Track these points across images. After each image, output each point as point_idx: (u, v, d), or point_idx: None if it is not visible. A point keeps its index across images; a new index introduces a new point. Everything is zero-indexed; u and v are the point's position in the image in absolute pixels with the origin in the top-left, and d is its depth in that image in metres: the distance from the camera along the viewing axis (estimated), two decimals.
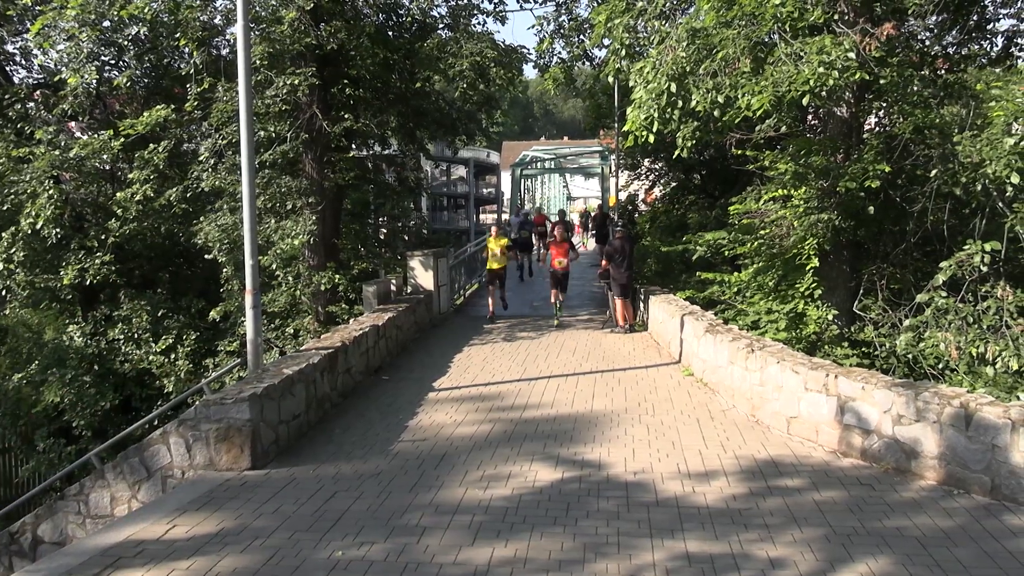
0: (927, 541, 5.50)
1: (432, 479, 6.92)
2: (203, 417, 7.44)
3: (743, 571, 5.06)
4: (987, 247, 10.04)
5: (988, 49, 14.39)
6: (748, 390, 8.83)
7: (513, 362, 11.86)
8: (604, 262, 15.32)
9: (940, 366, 10.17)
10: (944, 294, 10.29)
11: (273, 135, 15.21)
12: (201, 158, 15.28)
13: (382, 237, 21.75)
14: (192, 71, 14.91)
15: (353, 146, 17.82)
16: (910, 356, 10.46)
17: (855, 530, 5.69)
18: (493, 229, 17.21)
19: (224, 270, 15.72)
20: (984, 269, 10.11)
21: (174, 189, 15.40)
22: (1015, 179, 9.79)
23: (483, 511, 6.15)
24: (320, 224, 15.66)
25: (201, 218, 15.78)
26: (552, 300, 15.73)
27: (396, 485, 6.80)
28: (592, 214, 33.97)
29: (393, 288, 15.25)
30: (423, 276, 15.95)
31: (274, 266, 15.39)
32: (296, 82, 14.18)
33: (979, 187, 10.22)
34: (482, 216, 62.94)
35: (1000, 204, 10.55)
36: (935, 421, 6.60)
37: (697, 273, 14.24)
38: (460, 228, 54.00)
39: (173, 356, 16.96)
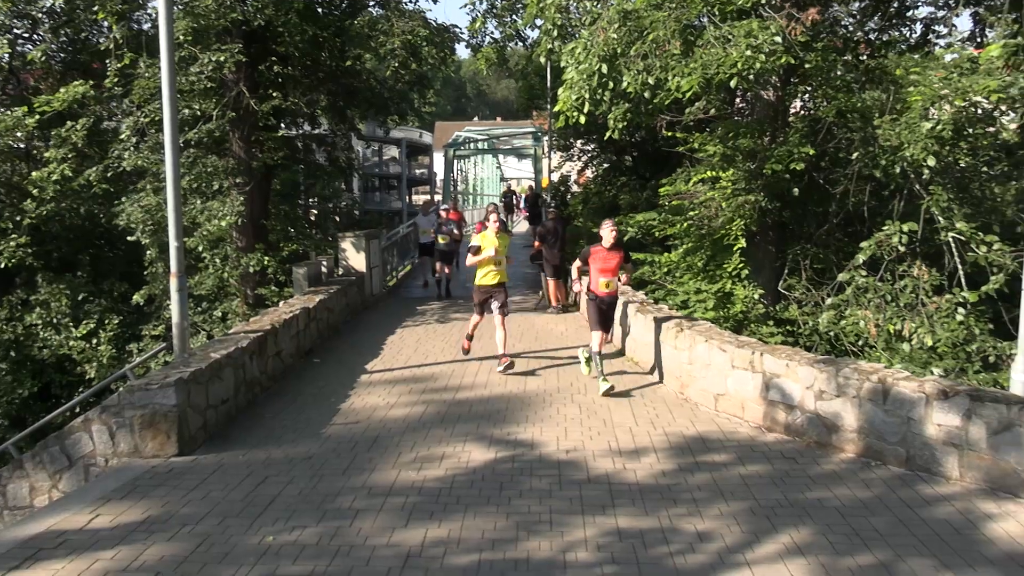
0: (846, 511, 5.70)
1: (365, 462, 6.88)
2: (127, 403, 7.23)
3: (672, 545, 5.18)
4: (905, 228, 10.42)
5: (908, 35, 14.87)
6: (677, 368, 9.00)
7: (447, 343, 11.85)
8: (537, 243, 15.38)
9: (860, 343, 10.53)
10: (864, 273, 10.64)
11: (198, 113, 14.79)
12: (122, 136, 14.78)
13: (312, 218, 21.42)
14: (112, 46, 14.38)
15: (282, 125, 17.47)
16: (832, 333, 10.81)
17: (779, 502, 5.87)
18: (492, 218, 10.54)
19: (148, 252, 15.25)
20: (902, 249, 10.48)
21: (94, 168, 14.86)
22: (931, 162, 10.16)
23: (416, 492, 6.15)
24: (248, 205, 15.33)
25: (123, 199, 15.28)
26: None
27: (328, 468, 6.74)
28: (524, 195, 33.93)
29: (324, 270, 15.05)
30: (355, 258, 15.77)
31: (200, 248, 15.00)
32: (222, 59, 13.80)
33: (898, 170, 10.56)
34: (414, 197, 62.43)
35: (917, 186, 10.94)
36: (855, 396, 6.83)
37: (629, 254, 14.41)
38: (393, 209, 53.51)
39: (95, 341, 16.43)
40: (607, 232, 9.20)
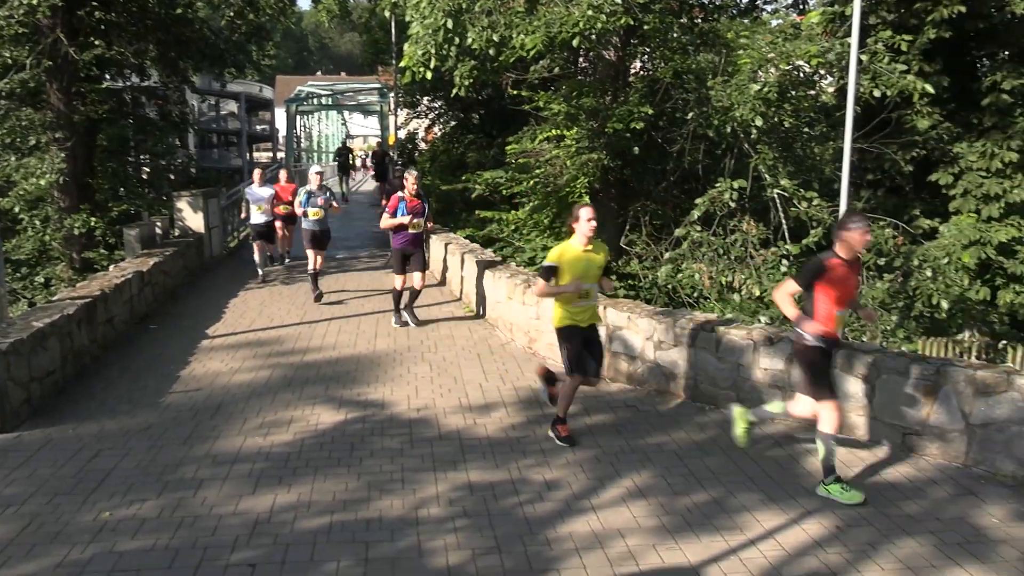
0: (683, 454, 6.05)
1: (208, 430, 6.65)
2: None
3: (521, 495, 5.33)
4: (735, 185, 11.00)
5: (738, 1, 15.56)
6: (525, 324, 9.19)
7: (292, 305, 11.55)
8: (384, 202, 15.18)
9: (695, 295, 11.10)
10: (699, 228, 11.18)
11: (9, 61, 13.55)
12: None
13: (144, 177, 20.16)
14: None
15: (107, 76, 16.28)
16: (670, 286, 11.32)
17: (622, 449, 6.14)
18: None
19: None
20: (733, 205, 11.08)
21: None
22: (759, 122, 10.74)
23: (264, 458, 6.01)
24: (70, 162, 14.26)
25: None
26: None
27: (169, 439, 6.47)
28: (371, 152, 33.09)
29: (159, 231, 14.25)
30: (192, 218, 15.02)
31: (17, 209, 13.86)
32: (35, 1, 12.62)
33: (729, 129, 11.11)
34: (255, 154, 59.93)
35: (746, 145, 11.56)
36: (690, 345, 7.22)
37: (477, 212, 14.51)
38: (233, 167, 51.13)
39: None
40: (856, 234, 5.25)
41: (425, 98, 23.36)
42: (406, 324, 10.16)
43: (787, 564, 4.46)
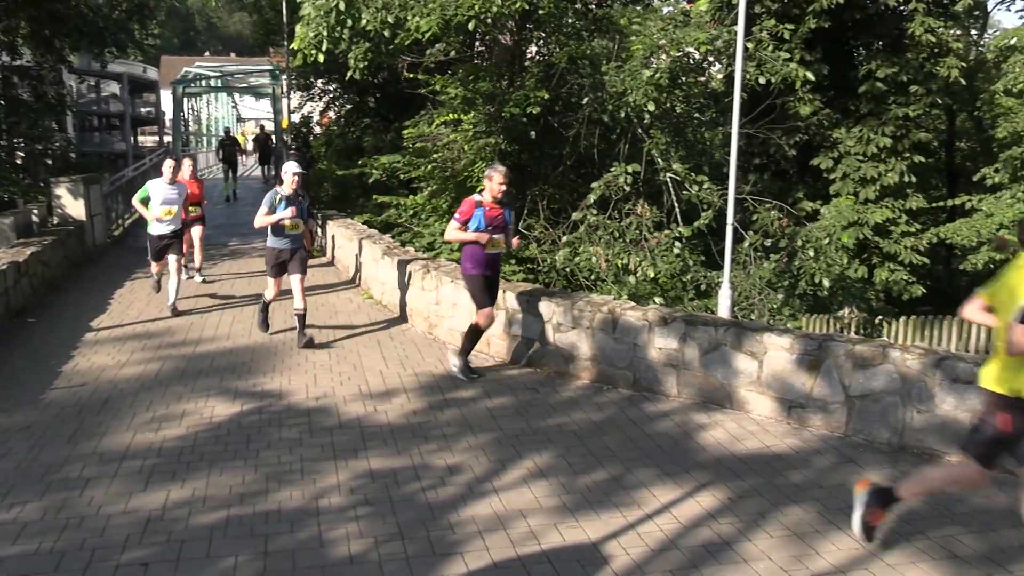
0: (582, 433, 6.16)
1: (95, 426, 6.37)
2: None
3: (424, 481, 5.32)
4: (629, 169, 11.23)
5: None
6: (425, 309, 9.16)
7: (182, 294, 11.14)
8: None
9: (593, 277, 11.30)
10: (595, 212, 11.38)
11: None
12: None
13: (19, 162, 19.03)
14: None
15: None
16: (568, 269, 11.49)
17: (523, 431, 6.21)
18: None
19: None
20: (627, 189, 11.31)
21: None
22: (651, 107, 10.99)
23: (155, 454, 5.80)
24: None
25: None
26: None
27: (51, 437, 6.16)
28: (252, 136, 31.96)
29: (36, 219, 13.50)
30: (72, 205, 14.28)
31: None
32: None
33: (623, 114, 11.32)
34: (140, 138, 57.37)
35: (640, 130, 11.80)
36: (588, 327, 7.35)
37: (374, 197, 14.33)
38: (116, 151, 48.82)
39: None
40: None
41: (319, 81, 22.84)
42: (477, 376, 7.51)
43: (682, 536, 4.62)
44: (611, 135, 12.43)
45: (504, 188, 7.22)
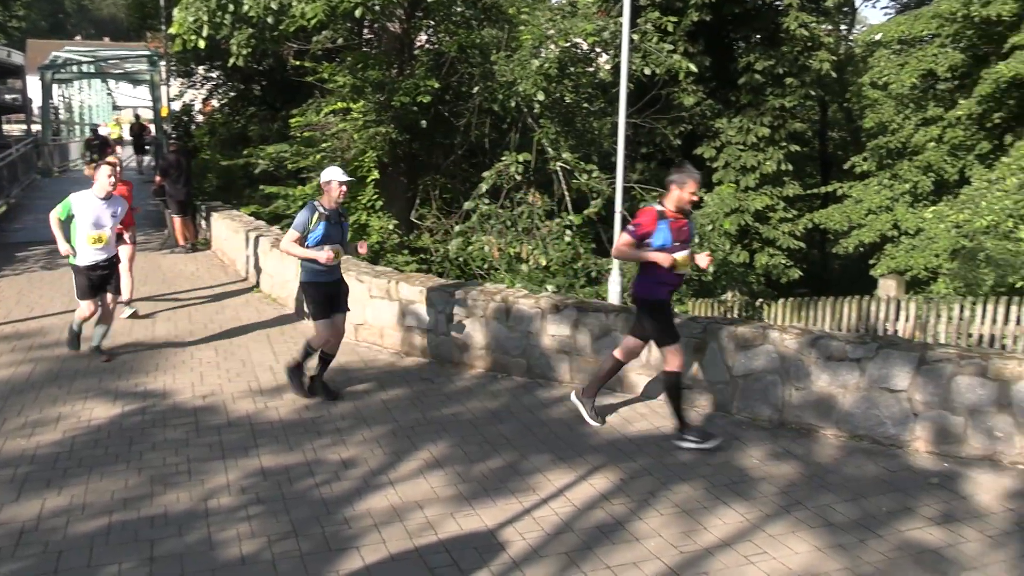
0: (478, 422, 6.19)
1: None
2: None
3: (318, 476, 5.24)
4: (520, 158, 11.31)
5: None
6: None
7: (57, 292, 10.57)
8: (158, 178, 14.24)
9: (486, 266, 11.34)
10: (487, 201, 11.42)
11: None
12: None
13: None
14: None
15: None
16: (461, 259, 11.50)
17: (418, 422, 6.19)
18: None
19: None
20: (519, 178, 11.40)
21: None
22: (541, 97, 11.09)
23: (28, 461, 5.49)
24: None
25: None
26: None
27: None
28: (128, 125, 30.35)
29: None
30: None
31: None
32: None
33: (513, 104, 11.39)
34: (6, 127, 53.95)
35: (530, 120, 11.91)
36: (482, 316, 7.38)
37: (261, 187, 13.94)
38: None
39: None
40: None
41: (201, 67, 21.98)
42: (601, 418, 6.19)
43: (577, 519, 4.71)
44: (502, 124, 12.49)
45: (694, 197, 5.70)
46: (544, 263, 10.86)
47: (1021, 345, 10.69)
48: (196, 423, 6.15)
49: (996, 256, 13.07)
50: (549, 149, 11.88)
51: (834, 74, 20.70)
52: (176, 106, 24.13)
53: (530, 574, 4.14)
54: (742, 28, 20.63)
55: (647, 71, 11.95)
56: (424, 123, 11.94)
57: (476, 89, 11.94)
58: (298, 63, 13.30)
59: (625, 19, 10.04)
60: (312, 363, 6.73)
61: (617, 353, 6.02)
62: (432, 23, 13.34)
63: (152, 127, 28.08)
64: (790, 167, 19.70)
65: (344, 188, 6.49)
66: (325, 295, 6.53)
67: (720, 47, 20.38)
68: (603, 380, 6.16)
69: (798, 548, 4.40)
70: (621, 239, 5.83)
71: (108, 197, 7.38)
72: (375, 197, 11.93)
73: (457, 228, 11.64)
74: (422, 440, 5.84)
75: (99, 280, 7.55)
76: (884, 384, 5.70)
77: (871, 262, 16.43)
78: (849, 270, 20.95)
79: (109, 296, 7.71)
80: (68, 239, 7.40)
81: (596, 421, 6.09)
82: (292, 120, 13.40)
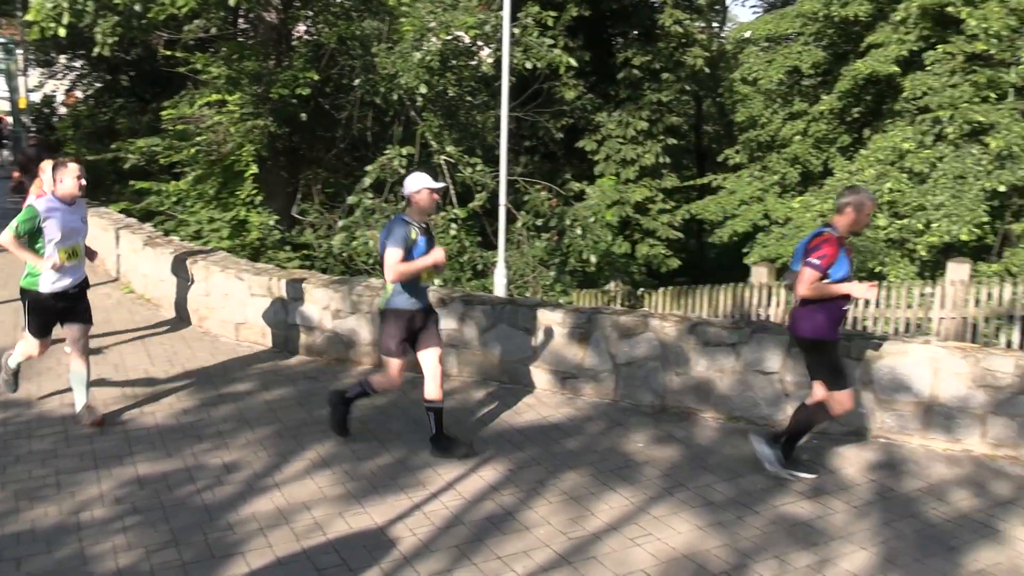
0: (366, 419, 6.09)
1: None
2: None
3: (199, 482, 5.07)
4: (404, 152, 11.23)
5: None
6: (194, 301, 8.66)
7: None
8: (16, 173, 13.40)
9: (371, 262, 11.22)
10: (371, 195, 11.28)
11: None
12: None
13: None
14: None
15: None
16: (346, 254, 11.33)
17: (304, 422, 6.07)
18: None
19: None
20: (403, 172, 11.30)
21: None
22: (423, 90, 11.04)
23: None
24: None
25: None
26: None
27: None
28: None
29: None
30: None
31: None
32: None
33: (396, 97, 11.30)
34: None
35: (413, 113, 11.83)
36: (368, 311, 7.29)
37: (131, 183, 13.30)
38: None
39: None
40: None
41: (63, 56, 20.76)
42: (810, 471, 5.30)
43: (467, 511, 4.73)
44: (385, 117, 12.37)
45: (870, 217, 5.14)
46: None
47: (881, 326, 11.41)
48: (65, 432, 5.83)
49: (857, 243, 13.90)
50: (433, 142, 11.83)
51: (707, 70, 21.48)
52: (35, 97, 22.72)
53: (421, 569, 4.14)
54: (620, 24, 21.12)
55: (528, 65, 12.07)
56: (304, 116, 11.66)
57: (357, 81, 11.76)
58: (169, 53, 12.74)
59: (506, 13, 10.12)
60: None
61: (811, 402, 5.24)
62: (310, 13, 13.04)
63: (9, 119, 26.39)
64: (668, 160, 20.33)
65: (437, 196, 5.56)
66: (409, 327, 5.46)
67: (599, 42, 20.79)
68: (802, 427, 5.29)
69: (681, 528, 4.57)
70: (807, 276, 4.87)
71: (73, 202, 5.96)
72: (254, 192, 11.58)
73: (341, 223, 11.45)
74: (308, 440, 5.74)
75: (63, 311, 5.93)
76: (758, 367, 5.98)
77: (744, 251, 17.14)
78: (724, 259, 21.80)
79: (76, 329, 5.98)
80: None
81: (792, 475, 5.21)
82: (164, 113, 12.83)
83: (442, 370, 5.59)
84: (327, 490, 4.98)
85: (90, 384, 6.07)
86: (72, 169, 5.81)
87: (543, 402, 6.48)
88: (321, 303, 7.53)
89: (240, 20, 14.07)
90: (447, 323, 6.97)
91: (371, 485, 5.05)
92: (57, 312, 5.93)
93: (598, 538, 4.46)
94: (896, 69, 14.91)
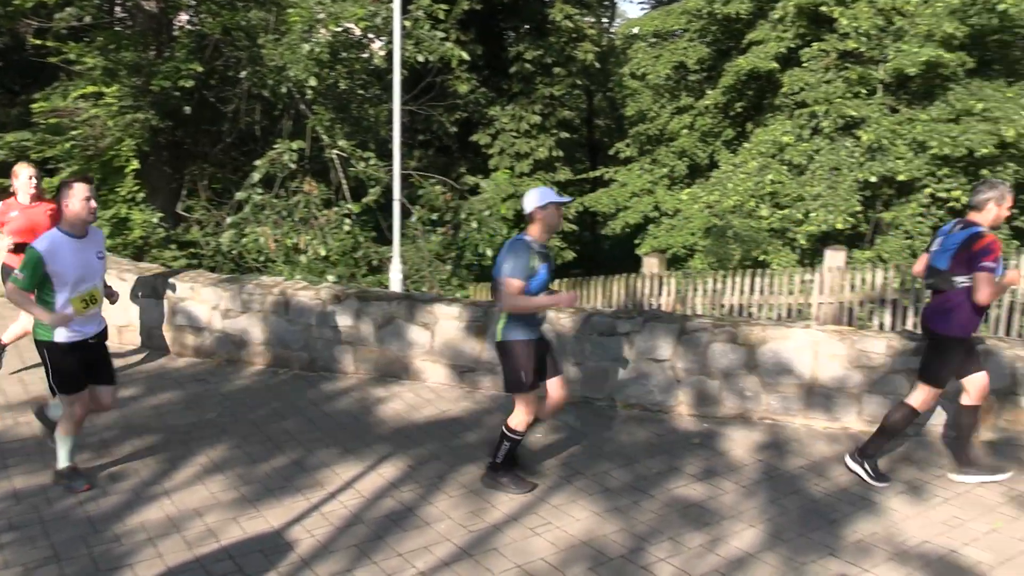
0: (260, 420, 5.98)
1: None
2: None
3: (81, 494, 4.83)
4: (294, 146, 10.97)
5: None
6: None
7: None
8: None
9: (262, 259, 10.93)
10: (260, 191, 10.98)
11: None
12: None
13: None
14: None
15: None
16: (235, 252, 11.00)
17: (194, 425, 5.87)
18: None
19: None
20: (293, 166, 11.06)
21: None
22: (313, 83, 10.81)
23: None
24: None
25: None
26: None
27: None
28: None
29: None
30: None
31: None
32: None
33: (284, 90, 11.03)
34: None
35: (303, 106, 11.58)
36: (259, 310, 7.11)
37: None
38: None
39: None
40: None
41: None
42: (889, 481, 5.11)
43: (366, 510, 4.69)
44: (273, 111, 12.05)
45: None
46: (324, 253, 10.63)
47: (764, 313, 11.89)
48: None
49: (742, 233, 14.44)
50: (324, 136, 11.61)
51: (598, 65, 21.82)
52: None
53: (320, 571, 4.08)
54: (512, 18, 21.22)
55: (421, 58, 11.97)
56: (188, 109, 11.24)
57: (244, 74, 11.40)
58: (40, 42, 12.03)
59: (396, 5, 10.00)
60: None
61: (915, 404, 5.00)
62: (193, 2, 12.56)
63: None
64: (561, 153, 20.58)
65: (562, 211, 4.91)
66: (536, 355, 4.84)
67: (492, 36, 20.85)
68: (885, 439, 5.13)
69: (579, 515, 4.65)
70: (984, 279, 4.62)
71: (85, 232, 4.82)
72: (136, 189, 11.09)
73: (229, 220, 11.09)
74: (199, 444, 5.56)
75: (86, 365, 4.90)
76: (650, 355, 6.14)
77: (636, 242, 17.54)
78: (617, 250, 22.25)
79: (107, 393, 5.09)
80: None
81: (880, 481, 5.04)
82: (35, 105, 12.11)
83: (561, 396, 5.05)
84: (220, 495, 4.84)
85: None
86: (79, 190, 4.67)
87: (442, 396, 6.48)
88: (210, 302, 7.30)
89: (117, 8, 13.42)
90: (342, 320, 6.88)
91: (266, 488, 4.94)
92: (82, 366, 4.87)
93: (498, 529, 4.50)
94: (775, 65, 15.53)
